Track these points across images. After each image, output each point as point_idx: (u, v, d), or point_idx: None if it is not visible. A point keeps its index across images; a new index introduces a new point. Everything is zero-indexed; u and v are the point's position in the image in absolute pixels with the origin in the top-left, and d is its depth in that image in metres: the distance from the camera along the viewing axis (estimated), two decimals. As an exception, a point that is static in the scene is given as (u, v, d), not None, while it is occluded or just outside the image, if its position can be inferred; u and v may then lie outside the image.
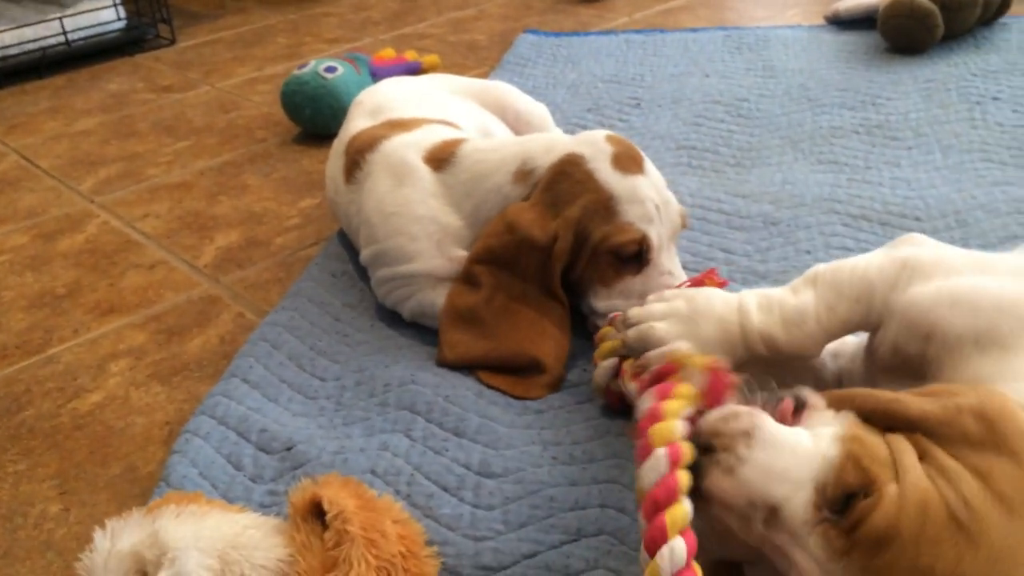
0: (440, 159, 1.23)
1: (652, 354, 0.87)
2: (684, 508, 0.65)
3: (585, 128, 1.81)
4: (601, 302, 1.12)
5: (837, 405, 0.74)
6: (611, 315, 1.04)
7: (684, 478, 0.66)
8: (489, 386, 1.09)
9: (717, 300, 0.91)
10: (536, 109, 1.62)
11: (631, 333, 0.92)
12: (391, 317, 1.25)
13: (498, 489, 0.92)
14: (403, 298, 1.21)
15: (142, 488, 1.03)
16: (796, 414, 0.74)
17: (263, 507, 0.92)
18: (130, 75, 2.49)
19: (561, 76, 2.15)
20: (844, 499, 0.63)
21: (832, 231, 1.35)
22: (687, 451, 0.67)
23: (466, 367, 1.12)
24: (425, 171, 1.23)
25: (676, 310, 0.91)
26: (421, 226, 1.19)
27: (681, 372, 0.74)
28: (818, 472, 0.65)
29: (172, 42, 2.73)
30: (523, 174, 1.15)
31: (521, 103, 1.60)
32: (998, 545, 0.59)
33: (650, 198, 1.09)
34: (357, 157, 1.32)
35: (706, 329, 0.89)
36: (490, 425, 1.02)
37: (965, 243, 1.29)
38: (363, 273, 1.35)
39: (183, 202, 1.73)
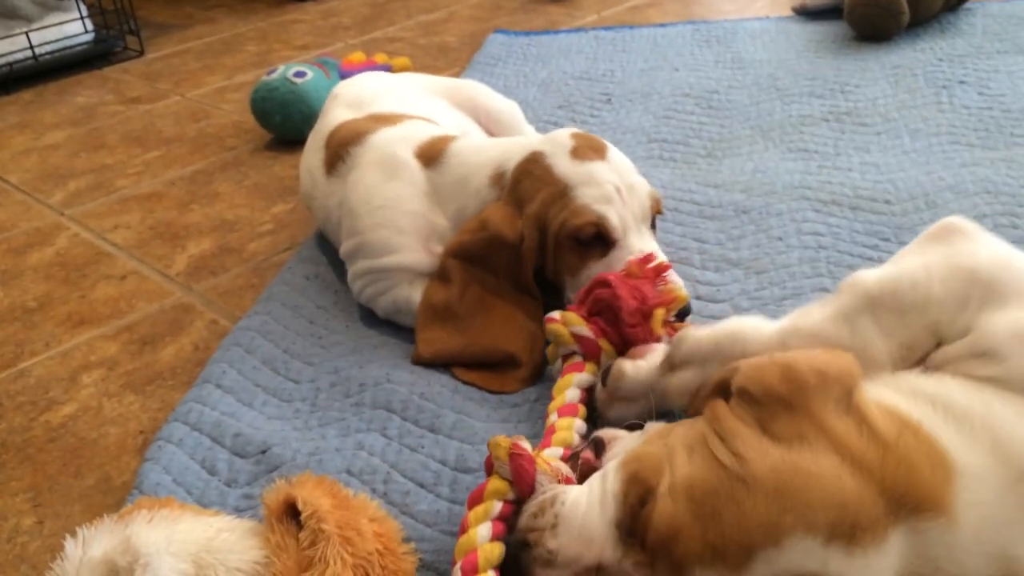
0: (430, 156, 1.23)
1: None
2: None
3: (557, 125, 1.82)
4: (573, 293, 1.11)
5: (697, 406, 0.78)
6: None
7: None
8: (465, 382, 1.08)
9: (755, 351, 0.80)
10: (507, 107, 1.61)
11: (661, 399, 0.89)
12: (366, 318, 1.25)
13: (475, 484, 0.91)
14: (379, 293, 1.21)
15: (117, 498, 1.01)
16: (599, 456, 0.82)
17: (238, 511, 0.91)
18: (99, 88, 2.47)
19: (532, 75, 2.15)
20: (635, 518, 0.67)
21: (803, 217, 1.35)
22: (486, 555, 0.75)
23: (442, 364, 1.11)
24: (416, 167, 1.23)
25: (710, 376, 0.81)
26: (410, 220, 1.19)
27: (494, 464, 0.79)
28: (613, 515, 0.69)
29: (141, 54, 2.71)
30: (497, 177, 1.16)
31: (492, 101, 1.60)
32: (773, 479, 0.61)
33: (608, 180, 1.08)
34: (340, 150, 1.31)
35: None
36: (466, 421, 1.01)
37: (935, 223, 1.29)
38: (338, 275, 1.35)
39: (154, 212, 1.71)
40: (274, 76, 1.88)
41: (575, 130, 1.17)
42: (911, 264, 0.77)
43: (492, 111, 1.56)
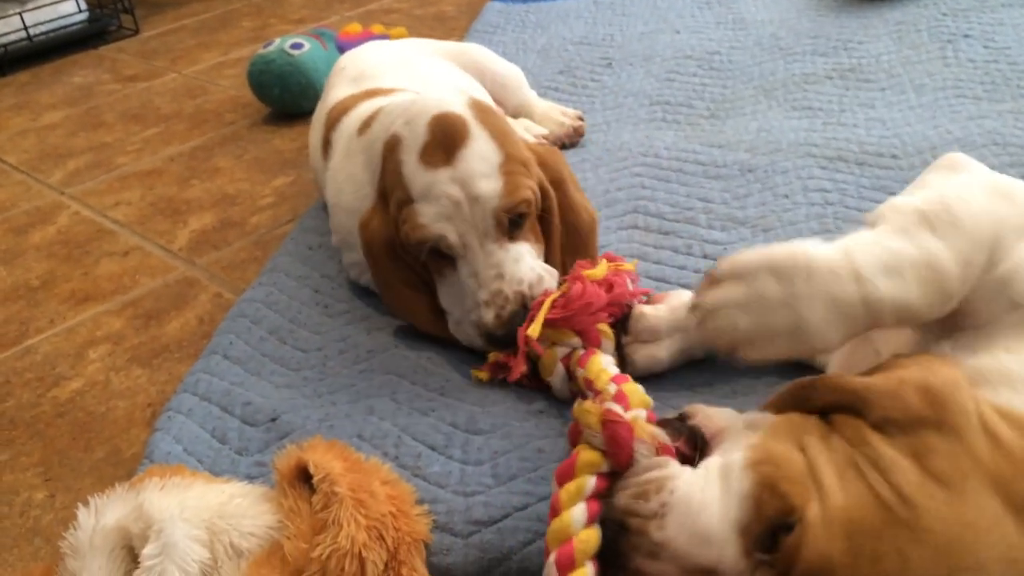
0: (366, 124, 1.17)
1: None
2: None
3: (558, 91, 1.80)
4: (444, 301, 1.06)
5: (781, 403, 0.69)
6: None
7: None
8: None
9: (821, 270, 0.67)
10: (510, 71, 1.60)
11: (698, 324, 0.73)
12: (370, 285, 1.24)
13: (486, 444, 0.91)
14: (372, 280, 1.17)
15: (127, 470, 1.01)
16: (696, 446, 0.71)
17: (250, 479, 0.91)
18: (95, 67, 2.45)
19: (531, 42, 2.12)
20: (771, 534, 0.59)
21: (809, 174, 1.34)
22: (582, 546, 0.67)
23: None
24: (356, 141, 1.18)
25: (762, 294, 0.68)
26: (365, 204, 1.12)
27: (583, 434, 0.72)
28: (738, 517, 0.61)
29: (136, 32, 2.69)
30: (389, 145, 1.07)
31: (495, 66, 1.58)
32: (943, 532, 0.55)
33: (448, 195, 0.98)
34: (328, 133, 1.27)
35: (812, 314, 0.66)
36: (475, 385, 1.01)
37: (942, 177, 1.28)
38: (340, 245, 1.34)
39: (154, 188, 1.70)
40: (271, 49, 1.86)
41: (444, 110, 1.03)
42: (943, 185, 0.71)
43: (496, 76, 1.55)
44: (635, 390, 0.80)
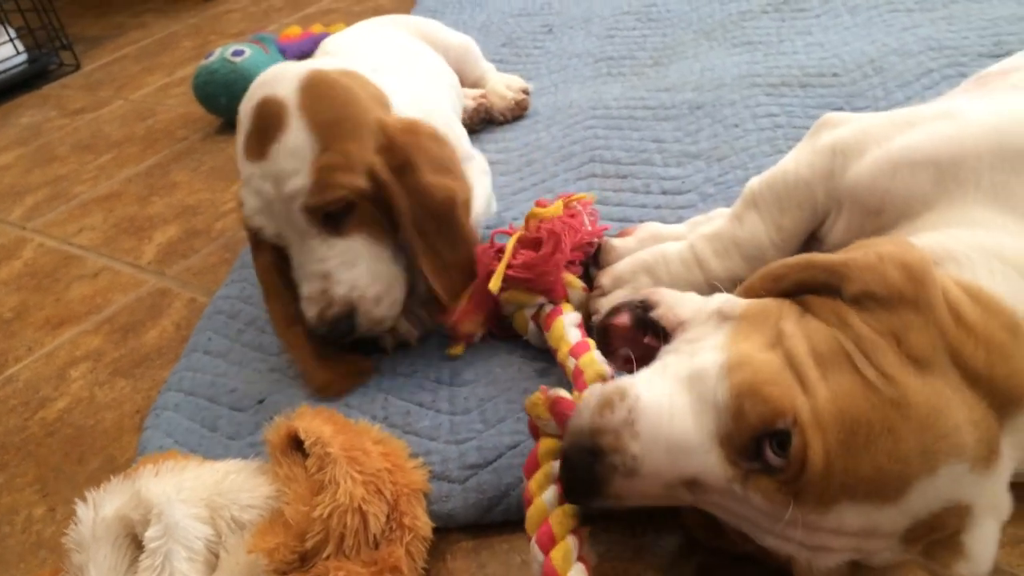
0: None
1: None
2: None
3: (503, 63, 1.81)
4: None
5: (753, 289, 0.71)
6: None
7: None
8: None
9: (675, 262, 0.89)
10: (461, 42, 1.60)
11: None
12: (341, 268, 1.25)
13: (472, 394, 0.93)
14: None
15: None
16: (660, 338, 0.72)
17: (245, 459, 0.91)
18: (40, 106, 2.44)
19: (471, 20, 2.14)
20: (755, 442, 0.59)
21: (756, 102, 1.36)
22: (558, 520, 0.69)
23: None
24: None
25: (639, 289, 0.89)
26: None
27: (538, 425, 0.75)
28: (716, 425, 0.61)
29: (77, 67, 2.67)
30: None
31: (447, 37, 1.58)
32: (924, 404, 0.57)
33: (260, 190, 0.95)
34: None
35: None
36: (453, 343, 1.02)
37: (885, 87, 1.31)
38: (306, 234, 1.34)
39: (115, 211, 1.70)
40: (212, 59, 1.86)
41: (270, 93, 0.96)
42: (784, 160, 0.85)
43: (449, 47, 1.55)
44: (591, 362, 0.81)
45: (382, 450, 0.83)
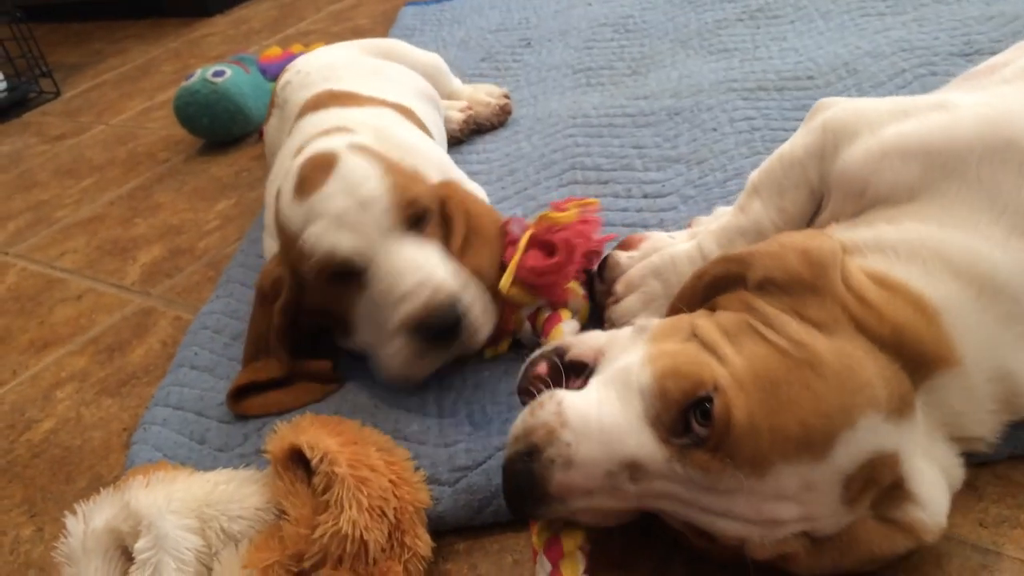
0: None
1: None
2: None
3: (482, 77, 1.83)
4: (362, 335, 0.98)
5: (677, 300, 0.76)
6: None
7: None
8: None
9: (683, 262, 0.89)
10: (430, 60, 1.60)
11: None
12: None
13: (460, 397, 0.93)
14: None
15: (112, 492, 1.01)
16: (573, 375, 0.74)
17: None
18: (21, 133, 2.43)
19: (450, 37, 2.15)
20: (683, 417, 0.61)
21: (733, 107, 1.38)
22: (568, 535, 0.69)
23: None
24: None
25: (653, 293, 0.90)
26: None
27: None
28: (643, 409, 0.63)
29: (57, 94, 2.67)
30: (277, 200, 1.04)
31: (414, 56, 1.59)
32: (835, 362, 0.61)
33: (330, 208, 0.93)
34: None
35: None
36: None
37: (859, 88, 1.33)
38: (291, 249, 1.34)
39: (98, 233, 1.70)
40: (193, 80, 1.87)
41: (320, 148, 1.00)
42: (782, 146, 0.86)
43: (416, 66, 1.56)
44: None
45: (387, 459, 0.81)
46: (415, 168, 1.03)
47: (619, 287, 0.94)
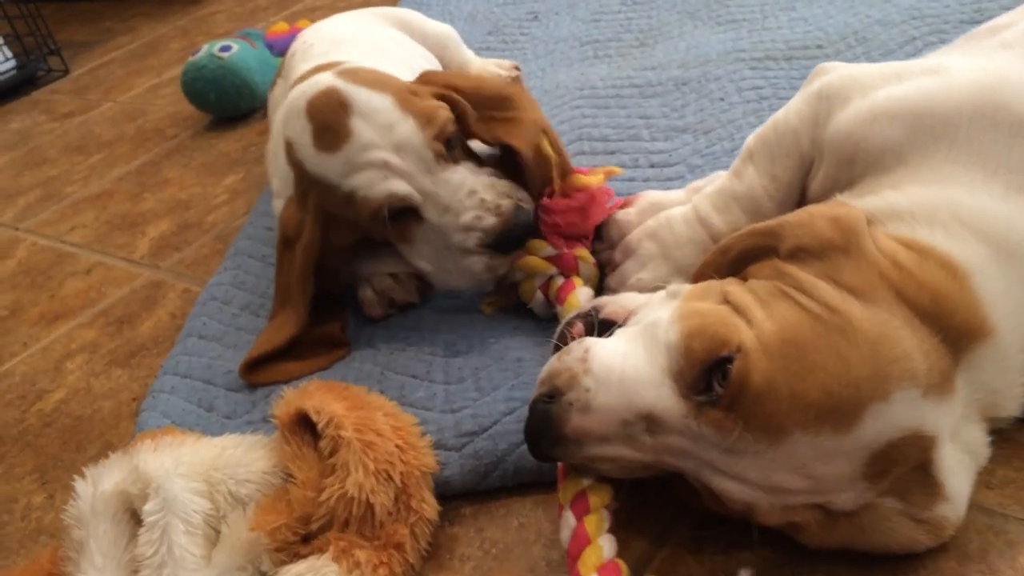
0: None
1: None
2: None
3: (490, 51, 1.82)
4: (424, 262, 1.01)
5: (703, 268, 0.75)
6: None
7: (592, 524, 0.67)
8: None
9: (678, 224, 0.89)
10: (442, 31, 1.59)
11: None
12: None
13: (466, 364, 0.93)
14: None
15: (122, 460, 1.02)
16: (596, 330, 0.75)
17: (243, 438, 0.92)
18: (30, 111, 2.44)
19: (456, 10, 2.14)
20: (705, 376, 0.61)
21: (741, 76, 1.37)
22: (595, 492, 0.69)
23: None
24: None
25: (650, 255, 0.91)
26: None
27: None
28: (667, 363, 0.63)
29: (66, 72, 2.67)
30: (287, 152, 1.04)
31: (426, 26, 1.58)
32: (870, 329, 0.58)
33: (374, 159, 0.95)
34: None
35: (684, 257, 0.88)
36: (449, 316, 1.03)
37: (868, 56, 1.32)
38: (298, 221, 1.34)
39: (108, 208, 1.70)
40: (200, 55, 1.86)
41: (317, 91, 1.00)
42: (777, 112, 0.85)
43: (428, 36, 1.55)
44: None
45: (393, 424, 0.81)
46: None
47: (616, 254, 0.95)
